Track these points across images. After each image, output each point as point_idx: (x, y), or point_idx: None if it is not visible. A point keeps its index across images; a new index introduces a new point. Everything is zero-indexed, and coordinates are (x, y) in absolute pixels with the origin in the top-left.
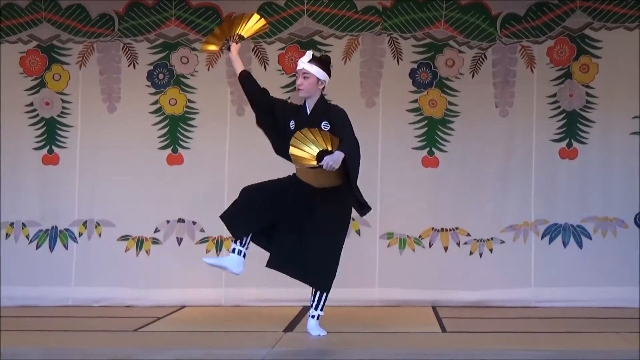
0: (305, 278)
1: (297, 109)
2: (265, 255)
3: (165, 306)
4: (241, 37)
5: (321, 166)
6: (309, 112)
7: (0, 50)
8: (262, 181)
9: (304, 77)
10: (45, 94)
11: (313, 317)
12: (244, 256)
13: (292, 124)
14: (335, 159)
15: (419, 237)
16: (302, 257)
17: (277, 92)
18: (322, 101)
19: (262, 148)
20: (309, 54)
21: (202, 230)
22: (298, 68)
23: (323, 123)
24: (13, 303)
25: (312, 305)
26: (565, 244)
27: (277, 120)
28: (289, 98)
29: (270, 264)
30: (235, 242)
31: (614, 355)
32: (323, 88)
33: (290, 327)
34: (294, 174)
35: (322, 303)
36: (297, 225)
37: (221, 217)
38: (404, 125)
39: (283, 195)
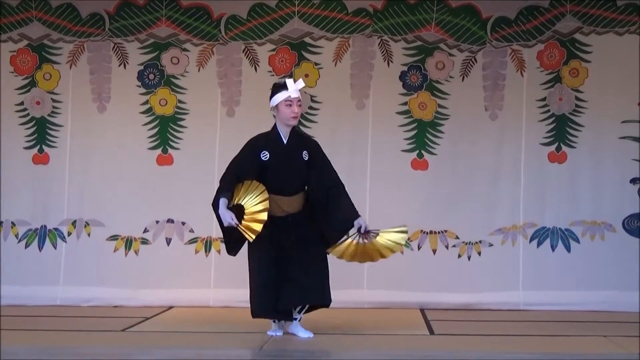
0: (313, 300)
1: (267, 139)
2: None
3: (154, 306)
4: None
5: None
6: (285, 141)
7: None
8: (257, 258)
9: (298, 106)
10: (35, 93)
11: (295, 319)
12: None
13: (264, 155)
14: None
15: (408, 239)
16: (300, 284)
17: (267, 93)
18: (295, 130)
19: None
20: (302, 82)
21: (191, 231)
22: (293, 96)
23: (303, 152)
24: (1, 302)
25: (299, 312)
26: (553, 248)
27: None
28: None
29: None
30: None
31: (602, 357)
32: None
33: None
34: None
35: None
36: (288, 255)
37: (253, 316)
38: (394, 128)
39: (273, 250)
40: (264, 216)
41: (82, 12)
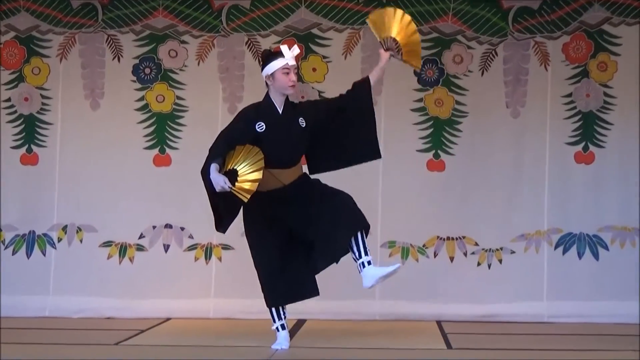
0: (346, 233)
1: (260, 110)
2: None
3: (150, 318)
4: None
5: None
6: (280, 111)
7: None
8: (258, 247)
9: (295, 74)
10: (24, 89)
11: (370, 263)
12: (284, 328)
13: (259, 126)
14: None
15: (423, 246)
16: (324, 230)
17: None
18: (288, 99)
19: None
20: (297, 48)
21: (190, 237)
22: (290, 64)
23: (300, 120)
24: None
25: (359, 256)
26: (580, 255)
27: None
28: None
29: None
30: (274, 321)
31: None
32: None
33: None
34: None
35: (367, 246)
36: (304, 220)
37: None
38: (408, 126)
39: (271, 231)
40: (257, 175)
41: (73, 2)
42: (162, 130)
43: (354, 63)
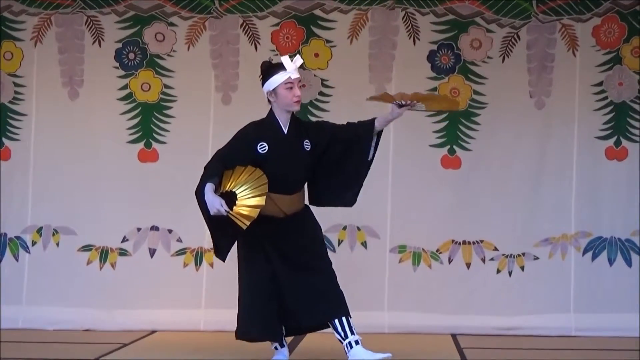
0: (325, 318)
1: (263, 129)
2: None
3: (133, 330)
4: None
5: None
6: (285, 130)
7: None
8: (247, 274)
9: (300, 87)
10: None
11: (358, 342)
12: (283, 345)
13: (261, 147)
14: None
15: (437, 251)
16: (310, 300)
17: None
18: (294, 116)
19: None
20: (300, 59)
21: (179, 240)
22: (293, 77)
23: (305, 142)
24: None
25: (345, 336)
26: (611, 262)
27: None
28: None
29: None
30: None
31: None
32: None
33: None
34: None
35: (353, 326)
36: (289, 269)
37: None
38: (420, 119)
39: (267, 261)
40: (259, 201)
41: None
42: (148, 122)
43: (361, 48)
